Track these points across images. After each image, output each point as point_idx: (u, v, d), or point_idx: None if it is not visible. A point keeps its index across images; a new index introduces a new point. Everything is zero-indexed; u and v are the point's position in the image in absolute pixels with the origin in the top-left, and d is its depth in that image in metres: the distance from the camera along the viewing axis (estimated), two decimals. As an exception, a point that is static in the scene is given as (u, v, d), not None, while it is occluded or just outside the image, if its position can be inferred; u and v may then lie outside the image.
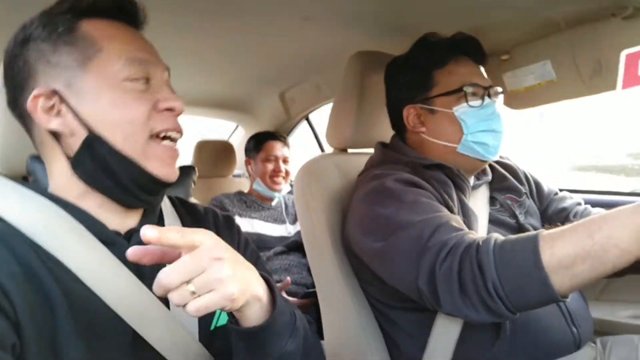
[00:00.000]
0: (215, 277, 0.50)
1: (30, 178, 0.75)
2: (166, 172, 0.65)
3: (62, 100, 0.62)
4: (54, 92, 0.62)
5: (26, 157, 0.74)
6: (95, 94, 0.62)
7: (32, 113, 0.62)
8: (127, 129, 0.62)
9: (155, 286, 0.49)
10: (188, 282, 0.48)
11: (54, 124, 0.63)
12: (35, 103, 0.62)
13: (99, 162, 0.62)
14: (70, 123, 0.62)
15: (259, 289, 0.57)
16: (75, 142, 0.63)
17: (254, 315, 0.57)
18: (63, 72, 0.62)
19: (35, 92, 0.62)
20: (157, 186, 0.66)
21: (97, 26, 0.64)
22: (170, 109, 0.65)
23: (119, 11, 0.66)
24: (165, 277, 0.48)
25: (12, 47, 0.64)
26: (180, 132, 0.67)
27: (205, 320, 0.69)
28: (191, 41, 1.38)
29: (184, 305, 0.49)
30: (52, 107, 0.62)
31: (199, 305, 0.49)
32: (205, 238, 0.51)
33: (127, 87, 0.63)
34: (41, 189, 0.64)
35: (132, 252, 0.50)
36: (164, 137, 0.66)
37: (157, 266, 0.67)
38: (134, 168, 0.63)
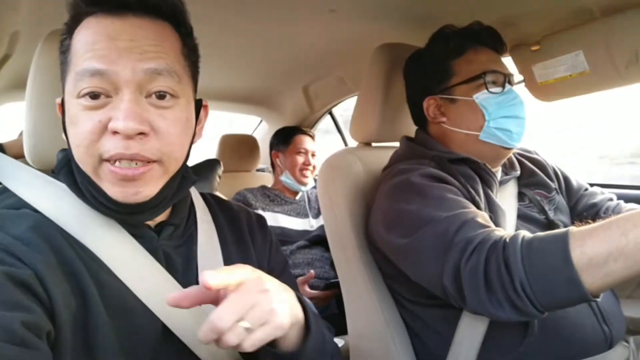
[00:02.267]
0: (266, 310, 0.51)
1: None
2: (120, 194, 0.58)
3: (62, 113, 0.63)
4: (62, 102, 0.62)
5: (56, 152, 0.76)
6: (66, 109, 0.60)
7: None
8: (77, 151, 0.58)
9: (208, 331, 0.49)
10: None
11: (64, 135, 0.65)
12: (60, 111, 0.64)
13: (71, 178, 0.62)
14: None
15: (299, 310, 0.60)
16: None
17: (294, 337, 0.59)
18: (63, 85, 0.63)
19: (57, 101, 0.64)
20: (121, 207, 0.59)
21: (80, 29, 0.59)
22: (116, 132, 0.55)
23: (97, 4, 0.59)
24: (219, 319, 0.48)
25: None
26: (132, 159, 0.56)
27: None
28: (214, 35, 1.39)
29: (238, 344, 0.50)
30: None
31: (255, 341, 0.51)
32: (247, 273, 0.53)
33: (80, 104, 0.57)
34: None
35: (171, 299, 0.51)
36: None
37: (186, 261, 0.68)
38: (92, 187, 0.59)
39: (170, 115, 0.59)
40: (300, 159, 2.07)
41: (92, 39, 0.57)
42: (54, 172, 0.77)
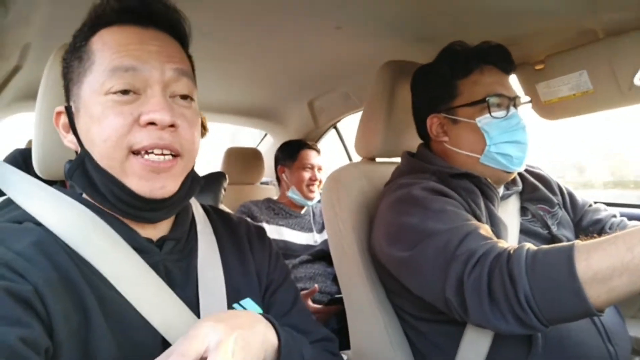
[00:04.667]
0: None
1: (68, 183, 0.78)
2: (147, 188, 0.60)
3: (68, 116, 0.65)
4: (66, 109, 0.65)
5: (64, 163, 0.77)
6: (85, 109, 0.62)
7: (57, 129, 0.67)
8: (102, 146, 0.59)
9: None
10: None
11: (67, 140, 0.66)
12: (58, 120, 0.67)
13: (87, 179, 0.63)
14: (74, 139, 0.65)
15: (273, 336, 0.60)
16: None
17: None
18: (73, 88, 0.64)
19: (57, 109, 0.66)
20: (144, 203, 0.61)
21: (102, 35, 0.63)
22: (152, 123, 0.59)
23: (126, 14, 0.63)
24: None
25: (65, 55, 0.68)
26: (165, 148, 0.60)
27: None
28: (221, 48, 1.40)
29: None
30: (66, 122, 0.66)
31: None
32: (208, 331, 0.50)
33: (108, 101, 0.59)
34: (77, 195, 0.65)
35: None
36: (149, 153, 0.60)
37: (186, 275, 0.68)
38: (114, 185, 0.60)
39: (189, 116, 0.64)
40: (307, 175, 2.07)
41: (123, 42, 0.61)
42: (61, 183, 0.77)
